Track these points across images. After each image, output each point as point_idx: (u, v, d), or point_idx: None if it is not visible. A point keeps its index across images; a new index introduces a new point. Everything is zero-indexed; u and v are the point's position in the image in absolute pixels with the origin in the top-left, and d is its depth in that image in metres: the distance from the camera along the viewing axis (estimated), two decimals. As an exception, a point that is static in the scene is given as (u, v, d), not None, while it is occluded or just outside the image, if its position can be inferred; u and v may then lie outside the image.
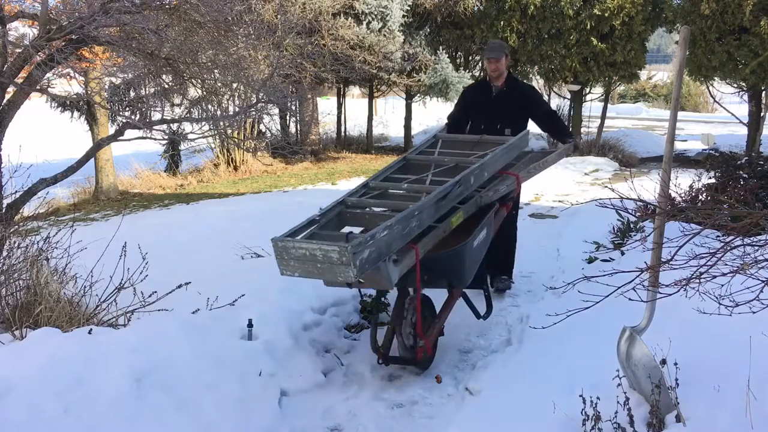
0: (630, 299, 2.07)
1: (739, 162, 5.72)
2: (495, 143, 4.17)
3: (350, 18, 12.27)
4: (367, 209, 3.54)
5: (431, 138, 4.54)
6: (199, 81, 5.33)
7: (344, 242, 2.82)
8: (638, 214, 5.02)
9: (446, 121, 5.06)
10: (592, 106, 16.07)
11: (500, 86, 4.75)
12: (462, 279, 3.66)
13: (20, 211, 4.38)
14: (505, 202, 4.20)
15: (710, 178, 5.73)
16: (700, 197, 5.40)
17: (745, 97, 13.33)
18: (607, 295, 2.11)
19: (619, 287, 2.07)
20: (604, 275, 2.19)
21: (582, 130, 15.04)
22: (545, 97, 14.95)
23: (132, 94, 8.10)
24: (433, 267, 3.46)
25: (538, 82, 16.59)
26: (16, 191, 4.28)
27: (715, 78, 13.09)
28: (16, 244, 3.91)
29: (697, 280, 1.93)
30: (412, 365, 3.51)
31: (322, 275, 2.92)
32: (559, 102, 16.30)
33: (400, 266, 3.09)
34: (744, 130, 13.40)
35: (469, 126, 4.89)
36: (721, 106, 13.42)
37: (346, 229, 3.42)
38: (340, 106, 16.54)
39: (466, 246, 3.53)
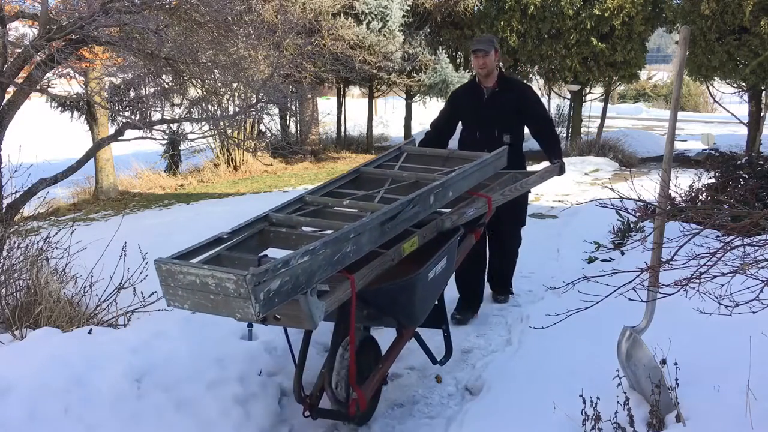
0: (630, 299, 2.07)
1: (739, 162, 5.71)
2: (467, 159, 3.68)
3: (350, 18, 12.27)
4: (297, 228, 2.90)
5: (394, 149, 3.95)
6: (199, 81, 5.33)
7: (245, 269, 2.21)
8: (638, 214, 5.02)
9: (428, 128, 4.54)
10: (592, 106, 16.07)
11: (492, 87, 4.24)
12: (412, 317, 3.08)
13: (20, 211, 4.38)
14: (475, 227, 3.67)
15: (710, 178, 5.73)
16: (700, 197, 5.40)
17: (745, 97, 13.33)
18: (607, 295, 2.11)
19: (619, 287, 2.07)
20: (604, 275, 2.19)
21: (582, 130, 15.05)
22: (544, 100, 14.92)
23: (132, 94, 8.10)
24: (377, 301, 2.92)
25: (537, 82, 16.59)
26: (16, 191, 4.28)
27: (715, 78, 13.09)
28: (16, 244, 3.92)
29: (697, 280, 1.93)
30: (344, 421, 3.00)
31: (216, 310, 2.27)
32: (559, 102, 16.31)
33: (329, 300, 2.53)
34: (744, 130, 13.40)
35: (462, 134, 4.43)
36: (721, 106, 13.41)
37: (271, 252, 2.84)
38: (340, 106, 16.54)
39: (418, 278, 2.93)
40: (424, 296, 3.06)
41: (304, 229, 2.93)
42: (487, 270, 4.53)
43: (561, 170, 4.27)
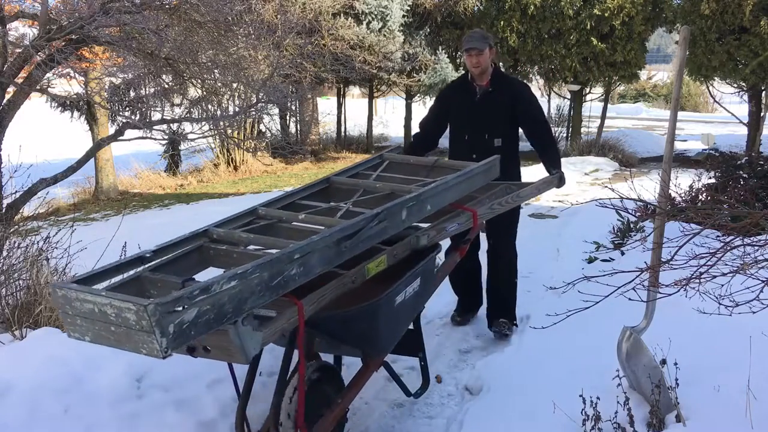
0: (630, 299, 2.07)
1: (739, 162, 5.71)
2: (454, 169, 3.32)
3: (350, 18, 12.28)
4: (240, 246, 2.54)
5: (375, 157, 3.61)
6: (199, 81, 5.33)
7: (164, 296, 1.91)
8: (638, 214, 5.02)
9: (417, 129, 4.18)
10: (592, 106, 16.08)
11: (485, 86, 3.86)
12: (376, 346, 2.76)
13: (20, 211, 4.39)
14: (459, 244, 3.35)
15: (710, 178, 5.73)
16: (700, 197, 5.40)
17: (745, 97, 13.34)
18: (607, 295, 2.11)
19: (619, 287, 2.07)
20: (604, 275, 2.19)
21: (582, 130, 15.06)
22: (544, 100, 14.89)
23: (132, 94, 8.11)
24: (331, 329, 2.60)
25: (537, 82, 16.60)
26: (16, 191, 4.28)
27: (715, 78, 13.10)
28: (16, 244, 3.91)
29: (697, 280, 1.93)
30: None
31: (119, 344, 1.93)
32: (559, 102, 16.32)
33: (269, 330, 2.21)
34: (744, 130, 13.40)
35: (450, 137, 4.07)
36: (721, 106, 13.42)
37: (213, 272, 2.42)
38: (340, 106, 16.55)
39: (380, 302, 2.60)
40: (390, 322, 2.72)
41: (250, 247, 2.58)
42: (484, 292, 4.23)
43: (560, 182, 3.84)
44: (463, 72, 3.94)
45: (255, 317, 2.18)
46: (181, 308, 1.85)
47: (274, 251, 2.28)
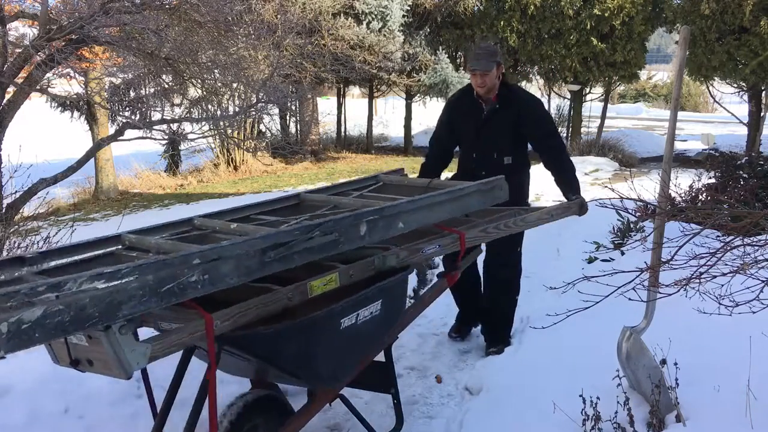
0: (630, 299, 2.07)
1: (739, 162, 5.72)
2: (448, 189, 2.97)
3: (350, 18, 12.28)
4: (149, 254, 2.28)
5: (370, 177, 3.36)
6: (199, 81, 5.34)
7: None
8: (638, 214, 5.01)
9: (431, 144, 3.91)
10: (592, 106, 16.09)
11: (492, 101, 3.60)
12: (315, 373, 2.40)
13: (20, 211, 4.39)
14: (447, 272, 3.03)
15: (710, 178, 5.73)
16: (700, 197, 5.40)
17: (745, 97, 13.34)
18: (607, 295, 2.11)
19: (619, 287, 2.07)
20: (604, 275, 2.19)
21: (582, 130, 15.06)
22: (544, 100, 14.85)
23: (132, 94, 8.11)
24: (259, 349, 2.27)
25: (538, 82, 16.60)
26: (16, 191, 4.29)
27: (715, 78, 13.11)
28: (16, 244, 3.92)
29: (697, 280, 1.93)
30: None
31: None
32: (559, 102, 16.33)
33: (162, 342, 1.97)
34: (744, 130, 13.41)
35: (460, 154, 3.87)
36: (721, 106, 13.43)
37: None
38: (340, 106, 16.55)
39: (314, 320, 2.28)
40: (334, 348, 2.39)
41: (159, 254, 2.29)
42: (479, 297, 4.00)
43: (581, 209, 3.47)
44: (469, 83, 3.69)
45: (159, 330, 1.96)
46: (17, 305, 1.60)
47: (163, 255, 2.04)
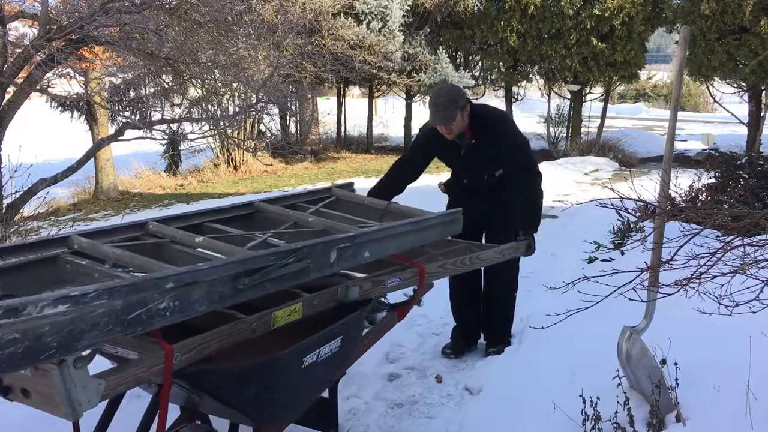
0: (630, 299, 2.07)
1: (739, 162, 5.72)
2: (409, 215, 2.90)
3: (350, 18, 12.28)
4: (106, 264, 2.04)
5: (322, 190, 3.22)
6: (199, 81, 5.34)
7: None
8: (638, 214, 5.02)
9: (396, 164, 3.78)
10: (592, 106, 16.09)
11: (467, 139, 3.50)
12: (269, 414, 2.24)
13: (20, 211, 4.39)
14: (398, 305, 2.86)
15: (710, 178, 5.73)
16: (700, 197, 5.40)
17: (745, 97, 13.35)
18: (607, 295, 2.11)
19: (619, 287, 2.07)
20: (604, 275, 2.19)
21: (582, 130, 15.07)
22: (544, 100, 14.81)
23: (132, 94, 8.12)
24: (217, 387, 2.08)
25: (538, 82, 16.60)
26: (16, 191, 4.29)
27: (715, 78, 13.11)
28: (16, 244, 3.91)
29: (697, 280, 1.93)
30: None
31: None
32: (559, 102, 16.33)
33: (116, 378, 1.75)
34: (744, 130, 13.41)
35: (450, 176, 3.86)
36: (721, 106, 13.44)
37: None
38: (340, 106, 16.55)
39: (284, 359, 2.13)
40: (293, 388, 2.23)
41: (118, 268, 2.06)
42: (481, 309, 3.90)
43: (528, 250, 3.41)
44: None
45: (112, 358, 1.71)
46: None
47: (134, 276, 1.82)
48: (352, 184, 3.44)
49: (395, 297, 3.27)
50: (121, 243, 2.17)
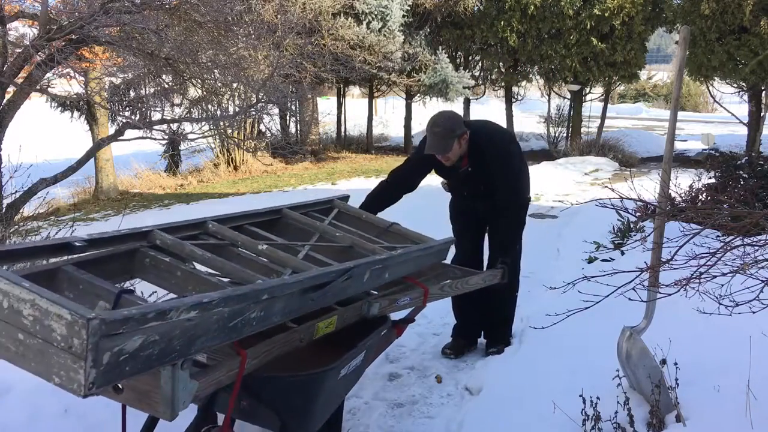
0: (630, 299, 2.07)
1: (739, 162, 5.72)
2: (408, 239, 3.05)
3: (350, 18, 12.27)
4: (187, 263, 2.11)
5: (324, 201, 3.25)
6: (199, 81, 5.34)
7: (92, 305, 1.55)
8: (638, 214, 5.02)
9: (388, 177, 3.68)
10: (592, 106, 16.10)
11: (463, 166, 3.51)
12: (306, 422, 2.26)
13: (20, 211, 4.39)
14: (397, 322, 2.89)
15: (710, 178, 5.73)
16: (700, 197, 5.40)
17: (745, 97, 13.35)
18: (607, 295, 2.11)
19: (619, 287, 2.07)
20: (604, 275, 2.19)
21: (582, 130, 15.07)
22: (544, 100, 14.77)
23: (132, 94, 8.12)
24: (264, 394, 2.12)
25: (538, 82, 16.60)
26: (16, 191, 4.29)
27: (715, 78, 13.12)
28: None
29: (697, 280, 1.93)
30: None
31: (23, 361, 1.43)
32: (559, 102, 16.34)
33: (205, 381, 1.78)
34: (744, 130, 13.41)
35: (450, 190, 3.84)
36: (721, 106, 13.43)
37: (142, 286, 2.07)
38: (340, 106, 16.55)
39: (329, 373, 2.19)
40: (328, 397, 2.31)
41: (197, 266, 2.13)
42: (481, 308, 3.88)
43: (503, 278, 3.46)
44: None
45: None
46: (124, 332, 1.39)
47: (241, 286, 1.86)
48: (348, 197, 3.49)
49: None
50: (189, 241, 2.20)
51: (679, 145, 15.92)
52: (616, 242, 5.49)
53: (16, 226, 4.25)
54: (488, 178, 3.49)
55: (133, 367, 1.45)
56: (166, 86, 5.89)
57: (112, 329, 1.35)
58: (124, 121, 5.33)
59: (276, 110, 13.82)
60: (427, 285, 2.98)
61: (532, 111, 21.84)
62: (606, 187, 2.75)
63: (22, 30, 6.23)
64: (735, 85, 13.24)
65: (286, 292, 1.90)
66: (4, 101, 4.31)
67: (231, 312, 1.68)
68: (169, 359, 1.54)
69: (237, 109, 5.97)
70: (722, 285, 1.95)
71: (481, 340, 3.94)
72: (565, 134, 15.53)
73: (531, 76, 15.49)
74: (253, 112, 7.29)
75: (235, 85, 5.92)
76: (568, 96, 15.72)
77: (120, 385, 1.67)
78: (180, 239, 2.17)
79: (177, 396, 1.63)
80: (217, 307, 1.62)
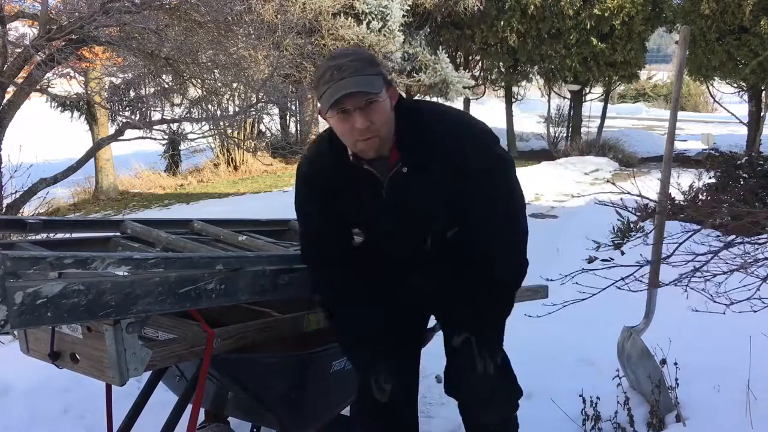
0: (631, 291, 2.07)
1: (739, 162, 5.72)
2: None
3: (350, 18, 12.27)
4: (156, 247, 2.08)
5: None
6: (199, 81, 5.34)
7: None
8: (638, 213, 5.02)
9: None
10: (592, 106, 16.10)
11: (391, 161, 1.73)
12: (300, 415, 2.11)
13: (20, 211, 4.39)
14: None
15: (710, 177, 5.73)
16: (700, 197, 5.40)
17: (745, 96, 13.35)
18: (607, 287, 2.12)
19: (617, 281, 2.07)
20: (603, 268, 2.19)
21: (582, 130, 15.07)
22: (544, 100, 14.76)
23: (132, 94, 8.12)
24: (250, 378, 2.00)
25: (537, 82, 16.59)
26: (16, 191, 4.29)
27: (715, 78, 13.11)
28: (16, 244, 3.91)
29: (696, 277, 1.93)
30: None
31: None
32: (559, 102, 16.34)
33: (164, 351, 1.75)
34: (744, 130, 13.41)
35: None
36: (721, 106, 13.43)
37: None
38: (340, 106, 16.53)
39: (314, 357, 2.04)
40: (320, 391, 2.12)
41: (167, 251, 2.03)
42: None
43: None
44: (327, 138, 1.89)
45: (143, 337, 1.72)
46: (39, 274, 1.41)
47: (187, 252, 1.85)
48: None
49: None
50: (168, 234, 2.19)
51: (679, 145, 15.91)
52: (616, 242, 5.49)
53: (16, 226, 4.24)
54: (446, 183, 1.74)
55: (56, 315, 1.42)
56: (166, 86, 5.89)
57: (19, 266, 1.35)
58: (124, 121, 5.33)
59: (276, 110, 13.82)
60: None
61: (532, 111, 21.83)
62: (608, 181, 2.75)
63: (22, 30, 6.23)
64: (735, 85, 13.23)
65: (247, 267, 1.84)
66: (4, 101, 4.31)
67: (179, 278, 1.66)
68: (103, 314, 1.51)
69: (237, 109, 5.97)
70: (720, 283, 1.95)
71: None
72: (565, 134, 15.53)
73: (531, 76, 15.49)
74: (253, 112, 7.29)
75: (235, 85, 5.92)
76: (568, 96, 15.72)
77: (77, 355, 1.71)
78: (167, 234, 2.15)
79: (125, 359, 1.62)
80: (155, 267, 1.60)
